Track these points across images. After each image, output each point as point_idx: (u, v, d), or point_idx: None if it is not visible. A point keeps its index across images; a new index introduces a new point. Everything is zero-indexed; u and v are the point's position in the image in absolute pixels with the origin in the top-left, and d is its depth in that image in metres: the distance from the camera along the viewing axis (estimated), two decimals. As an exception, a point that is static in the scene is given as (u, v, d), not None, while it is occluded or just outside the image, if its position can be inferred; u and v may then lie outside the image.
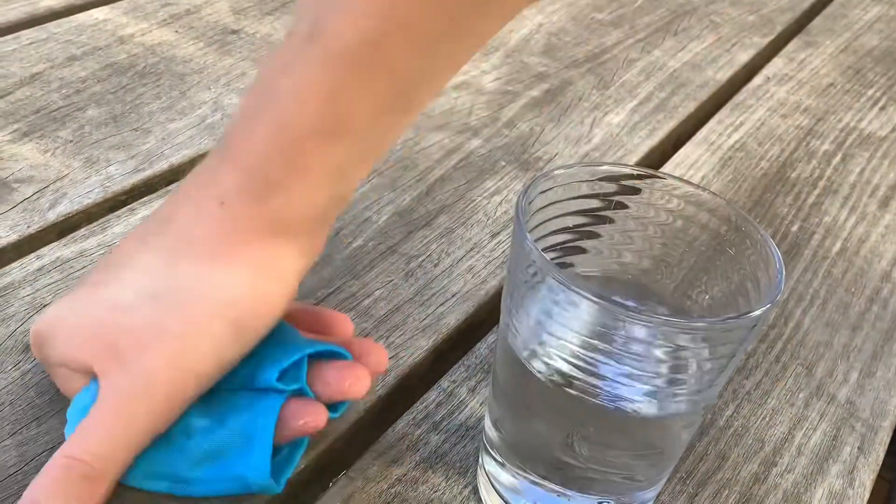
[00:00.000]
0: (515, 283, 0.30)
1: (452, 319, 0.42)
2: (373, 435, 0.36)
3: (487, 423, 0.34)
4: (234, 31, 0.64)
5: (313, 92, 0.30)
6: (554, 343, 0.30)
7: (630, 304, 0.32)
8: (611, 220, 0.34)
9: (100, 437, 0.30)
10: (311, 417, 0.32)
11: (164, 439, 0.31)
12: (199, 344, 0.31)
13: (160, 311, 0.32)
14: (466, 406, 0.38)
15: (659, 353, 0.29)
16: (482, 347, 0.41)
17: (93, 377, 0.32)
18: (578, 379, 0.29)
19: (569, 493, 0.32)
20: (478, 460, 0.36)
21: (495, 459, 0.33)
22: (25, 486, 0.31)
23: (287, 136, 0.31)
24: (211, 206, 0.32)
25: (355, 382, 0.33)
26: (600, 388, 0.29)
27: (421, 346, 0.41)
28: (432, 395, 0.38)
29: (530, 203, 0.31)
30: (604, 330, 0.28)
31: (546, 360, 0.30)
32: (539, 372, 0.30)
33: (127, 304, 0.32)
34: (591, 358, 0.29)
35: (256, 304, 0.32)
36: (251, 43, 0.63)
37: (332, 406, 0.35)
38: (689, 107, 0.65)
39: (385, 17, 0.29)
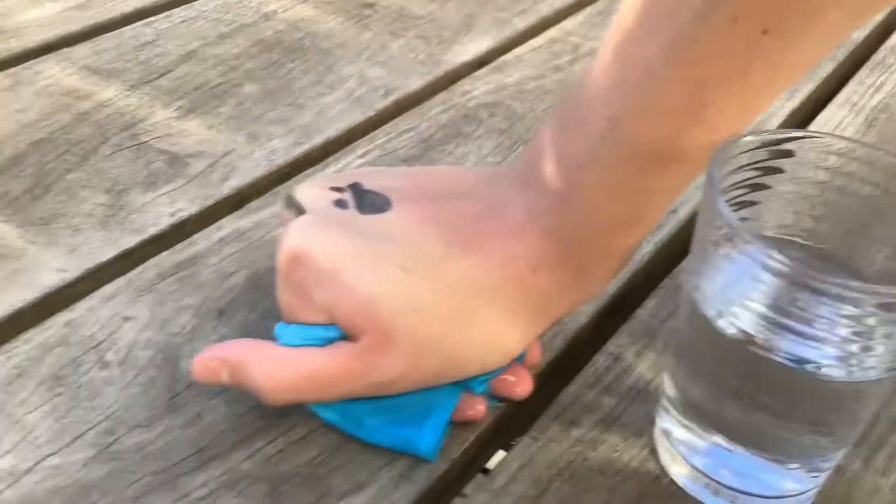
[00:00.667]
0: (703, 243, 0.31)
1: (612, 286, 0.43)
2: (545, 398, 0.38)
3: (667, 384, 0.35)
4: (369, 5, 0.66)
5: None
6: (741, 302, 0.30)
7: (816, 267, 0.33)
8: (767, 186, 0.35)
9: (310, 390, 0.33)
10: (474, 411, 0.36)
11: None
12: (469, 364, 0.34)
13: (456, 309, 0.32)
14: (634, 370, 0.39)
15: (847, 318, 0.29)
16: (642, 313, 0.42)
17: (334, 324, 0.33)
18: (764, 338, 0.30)
19: (748, 453, 0.33)
20: (653, 422, 0.37)
21: (676, 419, 0.34)
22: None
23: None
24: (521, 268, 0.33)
25: (524, 387, 0.37)
26: (786, 349, 0.30)
27: (583, 311, 0.42)
28: (600, 360, 0.40)
29: (721, 164, 0.31)
30: (793, 291, 0.29)
31: (732, 318, 0.31)
32: (725, 330, 0.31)
33: (422, 287, 0.32)
34: (778, 319, 0.30)
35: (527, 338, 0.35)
36: (386, 17, 0.65)
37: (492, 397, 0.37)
38: (828, 67, 0.64)
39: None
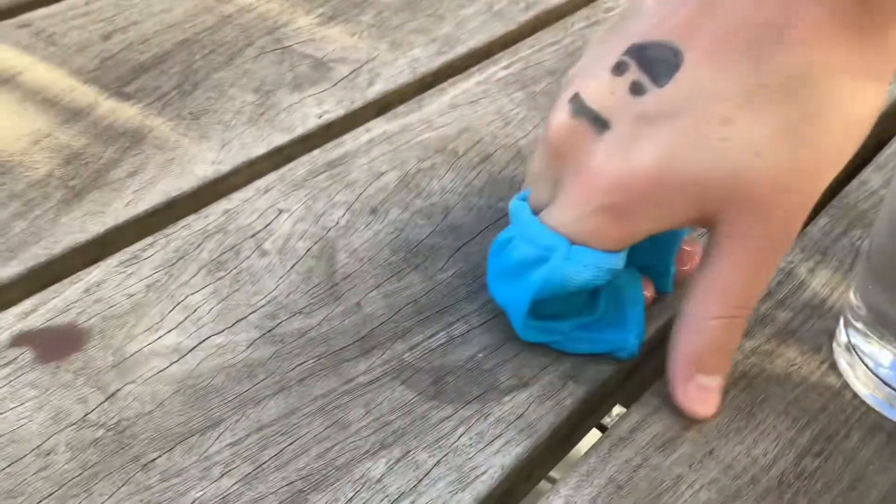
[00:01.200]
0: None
1: (776, 203, 0.41)
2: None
3: (854, 297, 0.33)
4: (503, -77, 0.64)
5: None
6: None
7: None
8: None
9: (749, 288, 0.30)
10: (649, 292, 0.34)
11: (569, 299, 0.32)
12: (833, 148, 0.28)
13: (791, 120, 0.27)
14: (808, 285, 0.37)
15: None
16: (814, 230, 0.40)
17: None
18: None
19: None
20: (832, 337, 0.35)
21: (863, 332, 0.32)
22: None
23: None
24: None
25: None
26: None
27: (746, 228, 0.40)
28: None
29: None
30: None
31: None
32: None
33: (750, 127, 0.27)
34: None
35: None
36: (521, -66, 0.63)
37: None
38: None
39: None
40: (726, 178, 0.28)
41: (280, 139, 0.42)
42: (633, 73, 0.28)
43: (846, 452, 0.31)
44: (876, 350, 0.32)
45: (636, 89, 0.28)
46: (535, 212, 0.31)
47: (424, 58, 0.49)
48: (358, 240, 0.37)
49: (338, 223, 0.38)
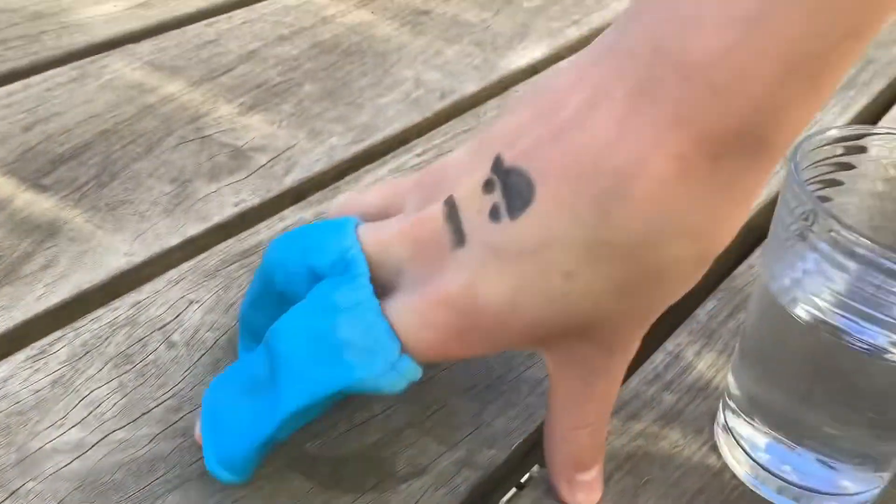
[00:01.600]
0: (782, 229, 0.31)
1: (669, 286, 0.43)
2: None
3: (732, 381, 0.35)
4: (424, 12, 0.67)
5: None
6: (818, 288, 0.30)
7: None
8: (840, 182, 0.35)
9: (600, 401, 0.32)
10: None
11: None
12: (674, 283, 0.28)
13: (630, 270, 0.27)
14: (694, 368, 0.39)
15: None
16: (701, 314, 0.42)
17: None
18: (838, 325, 0.30)
19: (811, 451, 0.33)
20: (714, 419, 0.37)
21: (739, 416, 0.34)
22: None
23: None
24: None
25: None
26: (859, 335, 0.30)
27: (641, 311, 0.42)
28: (659, 357, 0.39)
29: (803, 155, 0.31)
30: (873, 276, 0.28)
31: (807, 306, 0.31)
32: (800, 317, 0.31)
33: (592, 276, 0.27)
34: (855, 305, 0.29)
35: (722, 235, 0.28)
36: (441, 23, 0.66)
37: None
38: (880, 83, 0.64)
39: None
40: (567, 322, 0.28)
41: (195, 229, 0.44)
42: (496, 196, 0.28)
43: (724, 532, 0.33)
44: (751, 432, 0.34)
45: (494, 214, 0.28)
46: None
47: (341, 146, 0.51)
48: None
49: (247, 313, 0.39)
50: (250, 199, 0.46)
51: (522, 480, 0.35)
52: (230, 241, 0.43)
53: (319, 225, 0.32)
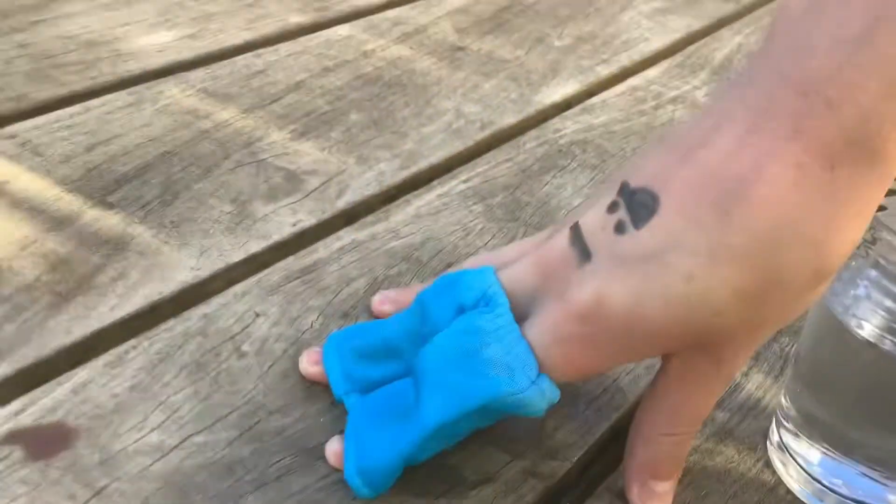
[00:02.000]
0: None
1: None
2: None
3: (785, 398, 0.36)
4: (460, 48, 0.69)
5: None
6: (876, 304, 0.32)
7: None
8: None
9: (696, 412, 0.33)
10: None
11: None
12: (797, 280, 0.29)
13: (757, 267, 0.28)
14: (743, 388, 0.41)
15: None
16: (746, 337, 0.44)
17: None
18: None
19: (864, 466, 0.34)
20: (766, 436, 0.38)
21: (792, 432, 0.36)
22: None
23: None
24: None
25: None
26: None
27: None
28: (708, 377, 0.41)
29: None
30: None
31: (865, 321, 0.32)
32: (857, 333, 0.32)
33: (715, 277, 0.29)
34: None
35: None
36: (477, 58, 0.68)
37: None
38: None
39: None
40: (686, 329, 0.30)
41: (256, 246, 0.45)
42: (620, 213, 0.30)
43: (782, 543, 0.34)
44: (805, 448, 0.35)
45: (619, 228, 0.30)
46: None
47: (389, 171, 0.53)
48: (330, 343, 0.40)
49: (312, 326, 0.41)
50: (307, 220, 0.48)
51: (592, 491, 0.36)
52: (290, 259, 0.44)
53: (463, 272, 0.34)
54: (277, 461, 0.34)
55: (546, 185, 0.54)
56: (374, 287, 0.43)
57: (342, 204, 0.49)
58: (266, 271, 0.43)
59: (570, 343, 0.31)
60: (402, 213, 0.49)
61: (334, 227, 0.48)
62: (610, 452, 0.37)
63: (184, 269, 0.43)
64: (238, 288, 0.42)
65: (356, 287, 0.43)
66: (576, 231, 0.31)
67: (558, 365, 0.31)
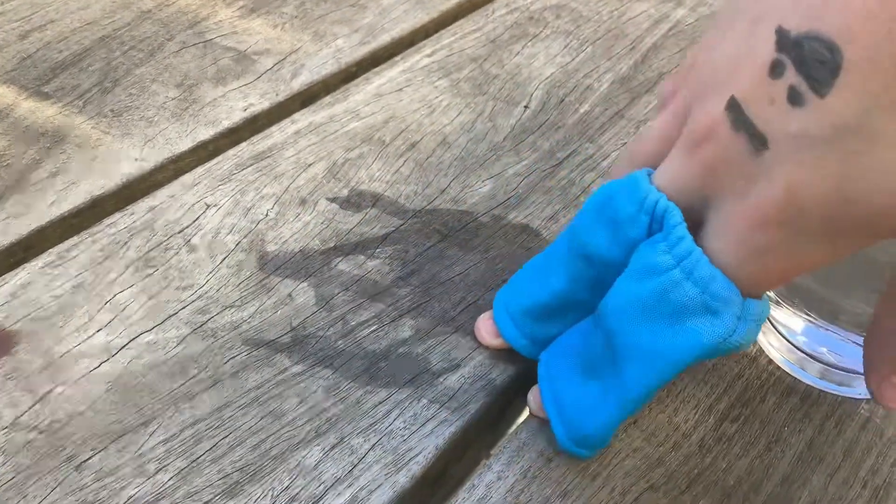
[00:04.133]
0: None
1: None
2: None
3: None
4: (423, -89, 0.64)
5: None
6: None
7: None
8: None
9: None
10: None
11: None
12: None
13: None
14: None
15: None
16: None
17: None
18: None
19: (847, 332, 0.32)
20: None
21: (777, 301, 0.34)
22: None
23: None
24: None
25: None
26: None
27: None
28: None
29: None
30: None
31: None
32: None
33: None
34: None
35: None
36: (441, -78, 0.63)
37: None
38: None
39: None
40: None
41: (205, 133, 0.42)
42: (791, 77, 0.23)
43: (762, 416, 0.33)
44: (788, 317, 0.34)
45: (794, 98, 0.23)
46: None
47: (348, 48, 0.49)
48: (287, 231, 0.38)
49: (267, 215, 0.38)
50: (259, 104, 0.44)
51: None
52: (242, 146, 0.42)
53: (614, 188, 0.28)
54: (232, 357, 0.32)
55: (516, 55, 0.50)
56: (332, 171, 0.41)
57: (297, 85, 0.46)
58: (216, 159, 0.41)
59: (767, 253, 0.25)
60: (362, 92, 0.46)
61: (289, 111, 0.44)
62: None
63: (127, 161, 0.40)
64: (186, 178, 0.39)
65: (314, 172, 0.41)
66: (736, 110, 0.25)
67: (759, 281, 0.26)
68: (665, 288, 0.26)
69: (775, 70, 0.24)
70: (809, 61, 0.23)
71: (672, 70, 0.50)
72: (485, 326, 0.34)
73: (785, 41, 0.23)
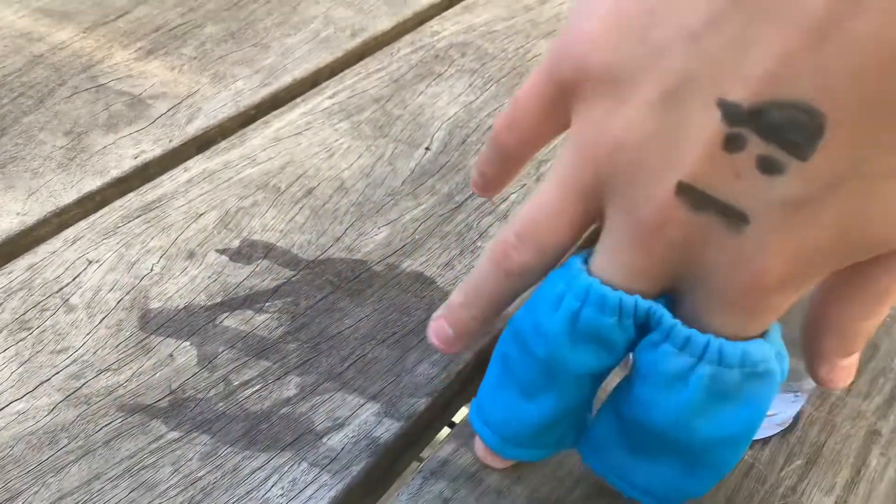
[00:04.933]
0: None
1: (590, 221, 0.43)
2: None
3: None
4: (332, -54, 0.64)
5: None
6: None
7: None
8: None
9: None
10: None
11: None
12: None
13: None
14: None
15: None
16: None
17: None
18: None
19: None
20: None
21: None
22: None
23: None
24: None
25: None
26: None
27: (562, 248, 0.41)
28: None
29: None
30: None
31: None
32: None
33: None
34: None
35: None
36: (351, -44, 0.63)
37: None
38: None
39: None
40: None
41: (92, 184, 0.41)
42: (757, 147, 0.22)
43: (649, 466, 0.33)
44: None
45: (769, 168, 0.22)
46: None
47: (248, 90, 0.48)
48: (173, 287, 0.37)
49: (152, 270, 0.37)
50: (151, 151, 0.44)
51: (453, 419, 0.34)
52: (130, 196, 0.41)
53: (570, 303, 0.27)
54: (106, 424, 0.31)
55: (420, 94, 0.50)
56: (224, 221, 0.40)
57: (193, 130, 0.45)
58: (102, 211, 0.40)
59: (776, 308, 0.25)
60: (259, 137, 0.45)
61: (183, 157, 0.44)
62: (475, 384, 0.35)
63: (8, 216, 0.39)
64: (69, 232, 0.38)
65: (204, 222, 0.40)
66: (691, 193, 0.23)
67: (770, 322, 0.26)
68: (705, 385, 0.26)
69: (732, 144, 0.22)
70: (783, 129, 0.22)
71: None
72: (486, 453, 0.32)
73: (736, 114, 0.22)
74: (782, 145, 0.22)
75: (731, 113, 0.22)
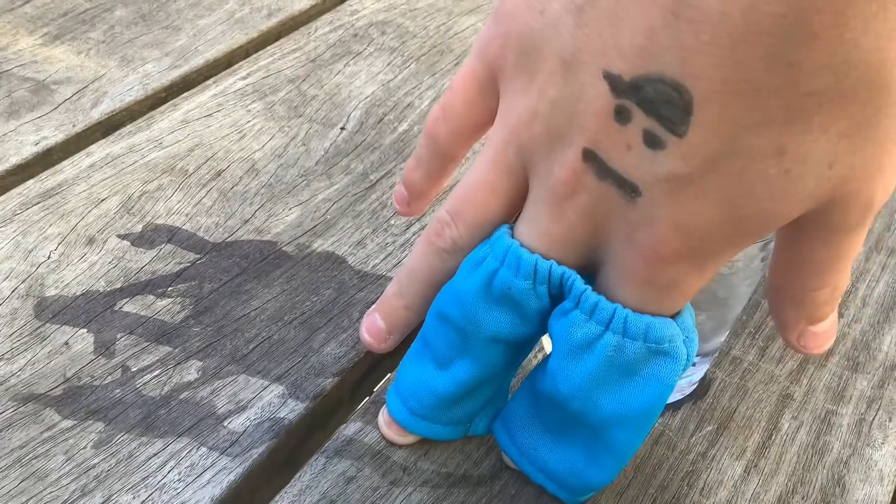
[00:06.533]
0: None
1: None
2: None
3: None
4: (251, -73, 0.63)
5: None
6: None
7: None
8: None
9: (843, 263, 0.26)
10: None
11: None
12: None
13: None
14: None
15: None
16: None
17: None
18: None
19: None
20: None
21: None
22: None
23: None
24: None
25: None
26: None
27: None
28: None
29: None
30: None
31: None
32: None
33: None
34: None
35: None
36: (270, -63, 0.62)
37: None
38: None
39: None
40: (802, 200, 0.23)
41: (-11, 172, 0.40)
42: (641, 121, 0.22)
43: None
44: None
45: (652, 142, 0.23)
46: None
47: (157, 73, 0.47)
48: (70, 274, 0.36)
49: (49, 257, 0.36)
50: (53, 136, 0.42)
51: (358, 407, 0.33)
52: (29, 183, 0.39)
53: (490, 264, 0.27)
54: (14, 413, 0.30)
55: (337, 74, 0.49)
56: (127, 206, 0.39)
57: (97, 114, 0.44)
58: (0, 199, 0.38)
59: (677, 284, 0.25)
60: (167, 120, 0.44)
61: (87, 142, 0.42)
62: (386, 364, 0.35)
63: None
64: (-36, 221, 0.37)
65: (106, 208, 0.39)
66: (595, 160, 0.24)
67: (677, 304, 0.26)
68: (608, 355, 0.26)
69: (621, 115, 0.23)
70: (657, 103, 0.22)
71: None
72: (391, 429, 0.31)
73: (619, 86, 0.22)
74: (660, 121, 0.22)
75: (615, 84, 0.22)
